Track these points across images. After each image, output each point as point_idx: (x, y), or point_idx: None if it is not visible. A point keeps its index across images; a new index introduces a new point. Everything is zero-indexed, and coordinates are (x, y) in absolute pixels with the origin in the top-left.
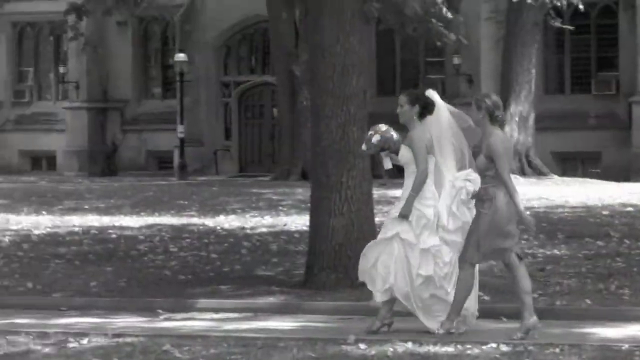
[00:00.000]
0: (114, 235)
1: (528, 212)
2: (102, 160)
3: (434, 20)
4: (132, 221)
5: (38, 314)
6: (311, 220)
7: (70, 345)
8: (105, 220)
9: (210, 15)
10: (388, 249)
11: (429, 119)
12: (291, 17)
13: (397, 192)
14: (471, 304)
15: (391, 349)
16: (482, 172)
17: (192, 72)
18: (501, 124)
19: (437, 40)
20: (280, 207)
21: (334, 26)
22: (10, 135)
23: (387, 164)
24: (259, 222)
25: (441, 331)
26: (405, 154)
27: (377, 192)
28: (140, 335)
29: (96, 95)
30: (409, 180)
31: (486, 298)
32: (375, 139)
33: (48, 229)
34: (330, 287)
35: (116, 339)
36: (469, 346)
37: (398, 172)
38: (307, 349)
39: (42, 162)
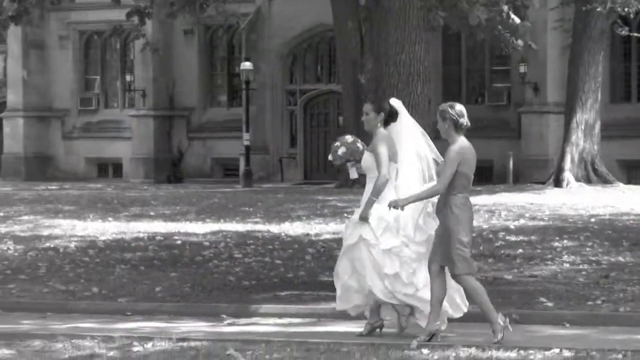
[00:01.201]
0: (179, 242)
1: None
2: (168, 168)
3: (500, 27)
4: (197, 227)
5: (103, 319)
6: None
7: (135, 349)
8: (171, 226)
9: (277, 24)
10: (356, 254)
11: (392, 126)
12: (357, 26)
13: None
14: (447, 305)
15: (453, 354)
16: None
17: (258, 80)
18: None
19: (504, 47)
20: (345, 214)
21: (399, 35)
22: (77, 142)
23: (353, 174)
24: (323, 228)
25: (423, 337)
26: (367, 159)
27: None
28: (204, 339)
29: (162, 103)
30: (369, 185)
31: (549, 304)
32: (342, 150)
33: (114, 235)
34: None
35: (180, 343)
36: (531, 351)
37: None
38: (370, 354)
39: (108, 169)
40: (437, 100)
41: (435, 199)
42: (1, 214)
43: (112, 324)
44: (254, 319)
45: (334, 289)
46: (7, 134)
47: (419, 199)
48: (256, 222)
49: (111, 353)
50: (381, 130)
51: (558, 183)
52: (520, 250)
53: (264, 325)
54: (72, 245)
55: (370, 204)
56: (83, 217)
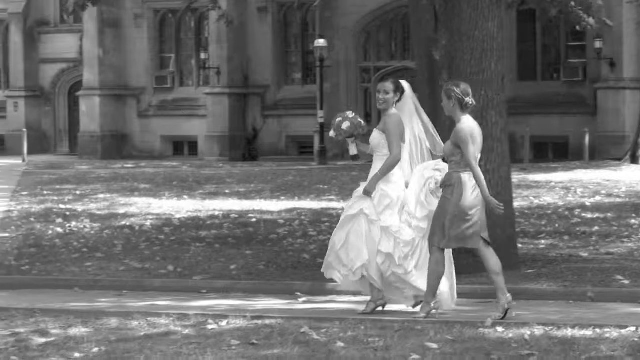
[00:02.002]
0: (254, 219)
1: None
2: (243, 146)
3: (573, 4)
4: (272, 205)
5: (179, 296)
6: None
7: (210, 326)
8: (246, 204)
9: (350, 1)
10: (355, 227)
11: (399, 106)
12: (430, 2)
13: (537, 177)
14: (446, 288)
15: (528, 332)
16: (448, 158)
17: (332, 57)
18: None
19: (577, 24)
20: None
21: (472, 11)
22: (153, 120)
23: (353, 150)
24: None
25: (422, 315)
26: (376, 137)
27: (517, 177)
28: (278, 317)
29: (237, 80)
30: (377, 163)
31: (626, 282)
32: (345, 125)
33: (189, 213)
34: (468, 271)
35: (255, 321)
36: (607, 330)
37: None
38: (444, 332)
39: (183, 147)
40: (513, 77)
41: (438, 176)
42: (78, 193)
43: (187, 301)
44: (328, 297)
45: None
46: (83, 112)
47: (482, 185)
48: (331, 200)
49: (186, 331)
50: (394, 110)
51: (635, 159)
52: (597, 228)
53: (338, 303)
54: (148, 223)
55: (376, 179)
56: (159, 195)
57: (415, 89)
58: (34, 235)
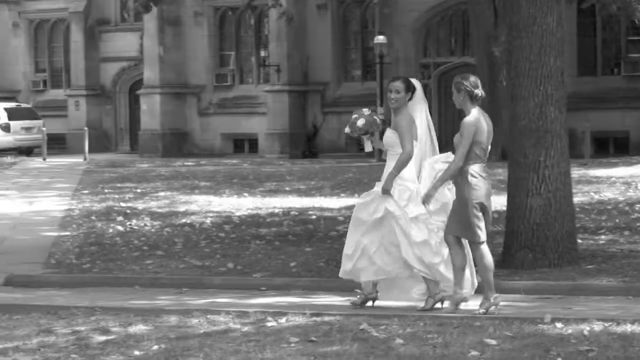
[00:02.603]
0: (313, 217)
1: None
2: (303, 143)
3: None
4: (332, 202)
5: (238, 294)
6: (509, 200)
7: (269, 324)
8: (306, 201)
9: None
10: (387, 228)
11: (410, 104)
12: None
13: (598, 172)
14: (467, 276)
15: (587, 328)
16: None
17: (392, 54)
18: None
19: (636, 18)
20: None
21: (531, 7)
22: (213, 118)
23: (368, 147)
24: None
25: (482, 311)
26: (390, 136)
27: (577, 172)
28: (337, 314)
29: (297, 78)
30: (391, 161)
31: None
32: (361, 122)
33: (249, 211)
34: (527, 266)
35: (314, 318)
36: None
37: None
38: (503, 328)
39: (244, 144)
40: (573, 72)
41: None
42: (139, 191)
43: (247, 299)
44: None
45: None
46: (144, 110)
47: (444, 181)
48: None
49: (245, 328)
50: (406, 108)
51: None
52: None
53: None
54: (208, 221)
55: (392, 177)
56: (219, 192)
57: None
58: (95, 233)
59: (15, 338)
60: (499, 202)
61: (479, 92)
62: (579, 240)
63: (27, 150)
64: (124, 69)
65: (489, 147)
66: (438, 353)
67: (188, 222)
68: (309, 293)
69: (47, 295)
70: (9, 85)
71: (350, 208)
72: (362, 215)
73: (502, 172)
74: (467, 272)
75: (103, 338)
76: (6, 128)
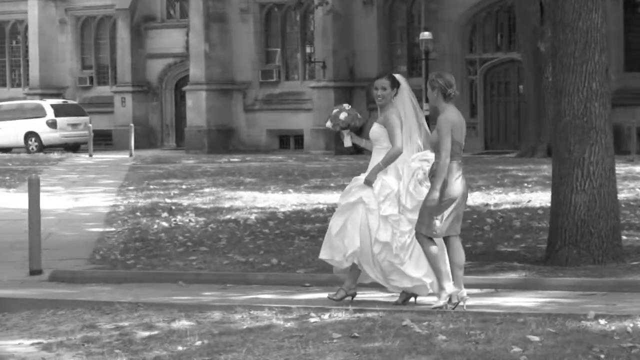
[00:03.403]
0: None
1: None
2: None
3: None
4: None
5: (282, 290)
6: (553, 197)
7: (312, 320)
8: None
9: None
10: (353, 215)
11: (396, 100)
12: None
13: None
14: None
15: (631, 325)
16: (434, 148)
17: (438, 49)
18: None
19: None
20: (525, 184)
21: (576, 2)
22: (259, 114)
23: (347, 142)
24: (503, 198)
25: (441, 303)
26: (377, 131)
27: (623, 169)
28: (380, 310)
29: (342, 74)
30: (377, 155)
31: None
32: (343, 115)
33: (294, 207)
34: (571, 263)
35: (357, 314)
36: None
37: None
38: (546, 324)
39: (289, 141)
40: (619, 67)
41: (426, 166)
42: (184, 187)
43: (290, 295)
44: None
45: (513, 259)
46: (190, 107)
47: (440, 180)
48: None
49: (288, 324)
50: (393, 104)
51: None
52: None
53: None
54: (253, 217)
55: (377, 169)
56: (264, 189)
57: (520, 81)
58: (140, 229)
59: (60, 333)
60: (544, 198)
61: (452, 90)
62: (624, 237)
63: (73, 147)
64: (170, 65)
65: (463, 144)
66: (480, 349)
67: (232, 218)
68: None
69: (92, 291)
70: (55, 82)
71: None
72: (341, 201)
73: (547, 169)
74: (447, 267)
75: (146, 333)
76: (53, 124)
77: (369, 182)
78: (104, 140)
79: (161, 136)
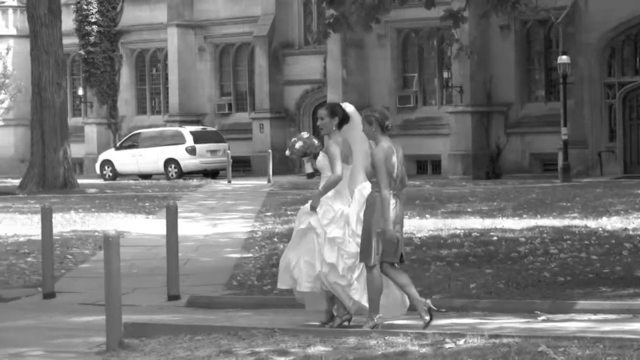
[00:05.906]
0: (495, 238)
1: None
2: (486, 163)
3: None
4: (514, 223)
5: (416, 315)
6: None
7: (447, 345)
8: (487, 222)
9: (593, 17)
10: (305, 241)
11: (345, 128)
12: None
13: None
14: (397, 293)
15: None
16: (370, 179)
17: (575, 73)
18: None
19: None
20: None
21: None
22: (396, 139)
23: (308, 168)
24: None
25: (367, 327)
26: (321, 160)
27: None
28: (516, 336)
29: (480, 99)
30: (322, 183)
31: None
32: (299, 144)
33: (430, 232)
34: None
35: (492, 340)
36: None
37: (319, 176)
38: None
39: (427, 165)
40: None
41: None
42: None
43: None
44: (568, 315)
45: None
46: None
47: (387, 211)
48: (573, 217)
49: (423, 350)
50: (336, 133)
51: None
52: None
53: (578, 322)
54: None
55: (318, 195)
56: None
57: None
58: (277, 255)
59: (197, 359)
60: None
61: (389, 122)
62: None
63: (212, 173)
64: (307, 91)
65: (405, 176)
66: None
67: None
68: (487, 315)
69: (228, 317)
70: (195, 109)
71: (533, 229)
72: (295, 225)
73: None
74: (398, 292)
75: (282, 359)
76: (192, 151)
77: (313, 208)
78: (242, 166)
79: (299, 162)
